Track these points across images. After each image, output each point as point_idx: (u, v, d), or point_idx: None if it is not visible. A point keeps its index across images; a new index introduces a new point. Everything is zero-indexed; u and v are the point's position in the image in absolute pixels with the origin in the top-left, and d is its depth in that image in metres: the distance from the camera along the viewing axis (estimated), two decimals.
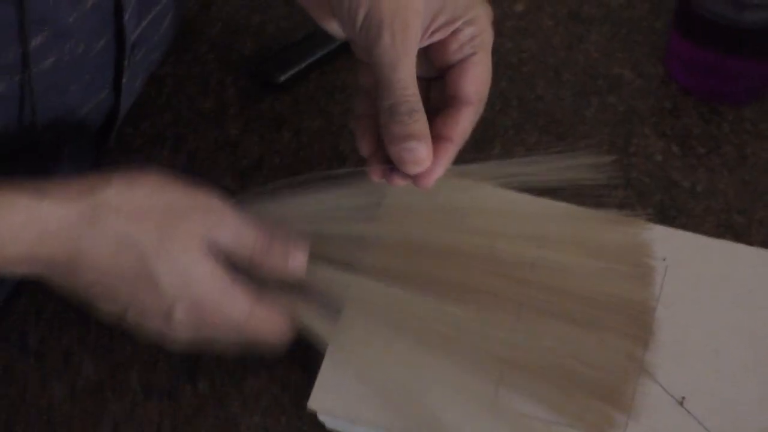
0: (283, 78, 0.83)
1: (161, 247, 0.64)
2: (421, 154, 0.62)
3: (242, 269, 0.67)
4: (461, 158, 0.67)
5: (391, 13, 0.62)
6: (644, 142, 0.80)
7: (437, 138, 0.64)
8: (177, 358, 0.73)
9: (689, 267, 0.72)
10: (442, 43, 0.66)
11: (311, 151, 0.81)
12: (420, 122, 0.62)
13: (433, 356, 0.68)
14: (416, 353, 0.68)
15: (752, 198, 0.77)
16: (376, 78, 0.63)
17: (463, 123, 0.65)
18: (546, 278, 0.70)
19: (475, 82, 0.65)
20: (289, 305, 0.68)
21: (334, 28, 0.69)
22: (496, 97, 0.82)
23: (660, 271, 0.71)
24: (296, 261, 0.67)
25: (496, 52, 0.68)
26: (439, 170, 0.64)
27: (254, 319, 0.66)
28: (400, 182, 0.64)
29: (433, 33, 0.65)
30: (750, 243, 0.75)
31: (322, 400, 0.68)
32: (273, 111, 0.83)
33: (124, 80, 0.73)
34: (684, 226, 0.76)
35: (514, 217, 0.72)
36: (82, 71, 0.70)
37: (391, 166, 0.64)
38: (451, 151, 0.65)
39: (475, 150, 0.70)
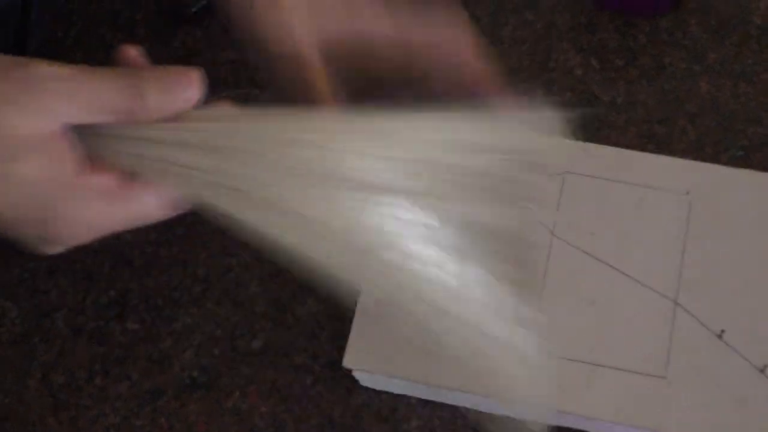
0: (192, 9, 0.81)
1: None
2: None
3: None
4: None
5: None
6: (563, 57, 0.79)
7: None
8: (105, 299, 0.72)
9: (713, 199, 0.71)
10: None
11: (227, 84, 0.80)
12: None
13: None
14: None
15: (672, 107, 0.78)
16: None
17: None
18: None
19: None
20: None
21: None
22: None
23: (684, 205, 0.70)
24: (188, 86, 0.52)
25: None
26: None
27: (123, 216, 0.53)
28: None
29: None
30: (672, 152, 0.76)
31: (357, 356, 0.66)
32: (185, 46, 0.81)
33: None
34: (606, 138, 0.76)
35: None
36: None
37: None
38: None
39: None
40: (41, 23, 0.74)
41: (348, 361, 0.66)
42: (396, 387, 0.68)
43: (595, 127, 0.77)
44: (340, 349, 0.69)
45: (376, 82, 0.63)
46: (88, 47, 0.81)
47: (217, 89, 0.78)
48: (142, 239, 0.73)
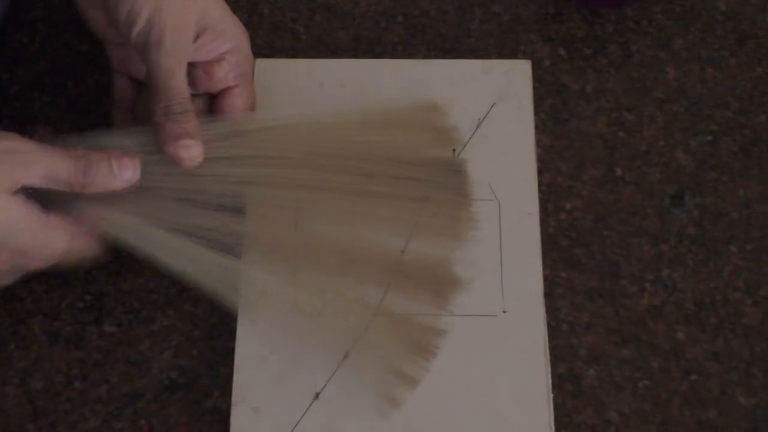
0: None
1: None
2: (195, 151, 0.67)
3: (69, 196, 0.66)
4: None
5: (172, 21, 0.67)
6: (531, 49, 0.80)
7: None
8: (80, 303, 0.71)
9: None
10: (206, 67, 0.70)
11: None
12: (193, 121, 0.67)
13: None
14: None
15: (640, 95, 0.78)
16: (151, 81, 0.68)
17: None
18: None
19: (243, 111, 0.72)
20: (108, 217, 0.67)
21: (96, 21, 0.72)
22: (381, 15, 0.81)
23: None
24: (126, 170, 0.66)
25: None
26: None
27: (75, 248, 0.66)
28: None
29: (197, 50, 0.70)
30: (642, 139, 0.76)
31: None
32: None
33: None
34: (576, 128, 0.76)
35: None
36: None
37: None
38: None
39: None
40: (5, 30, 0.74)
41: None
42: None
43: (564, 117, 0.77)
44: None
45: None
46: (53, 54, 0.81)
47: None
48: None
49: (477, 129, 0.73)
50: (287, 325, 0.67)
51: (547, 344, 0.68)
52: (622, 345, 0.70)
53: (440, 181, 0.71)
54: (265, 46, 0.80)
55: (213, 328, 0.70)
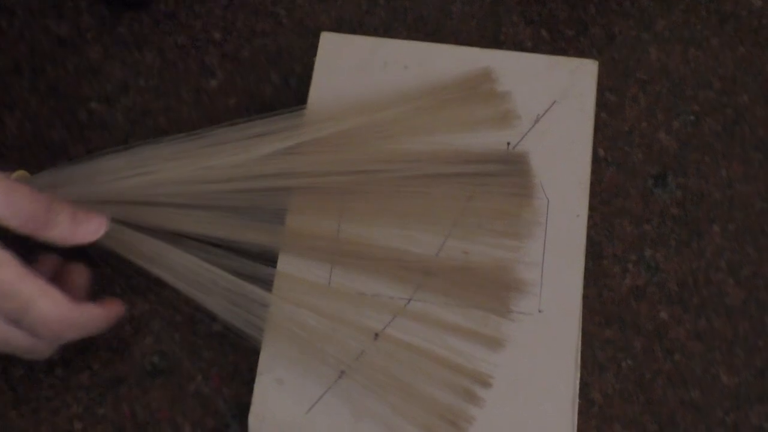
0: None
1: None
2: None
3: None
4: None
5: None
6: (513, 30, 0.79)
7: None
8: None
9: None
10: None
11: (177, 69, 0.79)
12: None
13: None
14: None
15: (623, 76, 0.78)
16: None
17: None
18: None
19: None
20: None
21: None
22: None
23: None
24: (90, 222, 0.63)
25: None
26: None
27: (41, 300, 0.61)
28: None
29: None
30: (624, 120, 0.76)
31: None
32: (132, 32, 0.81)
33: None
34: None
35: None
36: None
37: None
38: None
39: None
40: None
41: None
42: None
43: None
44: None
45: None
46: (33, 39, 0.80)
47: (166, 74, 0.78)
48: None
49: (535, 124, 0.72)
50: (319, 305, 0.67)
51: (580, 348, 0.67)
52: (605, 325, 0.70)
53: (501, 175, 0.70)
54: (245, 30, 0.80)
55: (194, 312, 0.70)
